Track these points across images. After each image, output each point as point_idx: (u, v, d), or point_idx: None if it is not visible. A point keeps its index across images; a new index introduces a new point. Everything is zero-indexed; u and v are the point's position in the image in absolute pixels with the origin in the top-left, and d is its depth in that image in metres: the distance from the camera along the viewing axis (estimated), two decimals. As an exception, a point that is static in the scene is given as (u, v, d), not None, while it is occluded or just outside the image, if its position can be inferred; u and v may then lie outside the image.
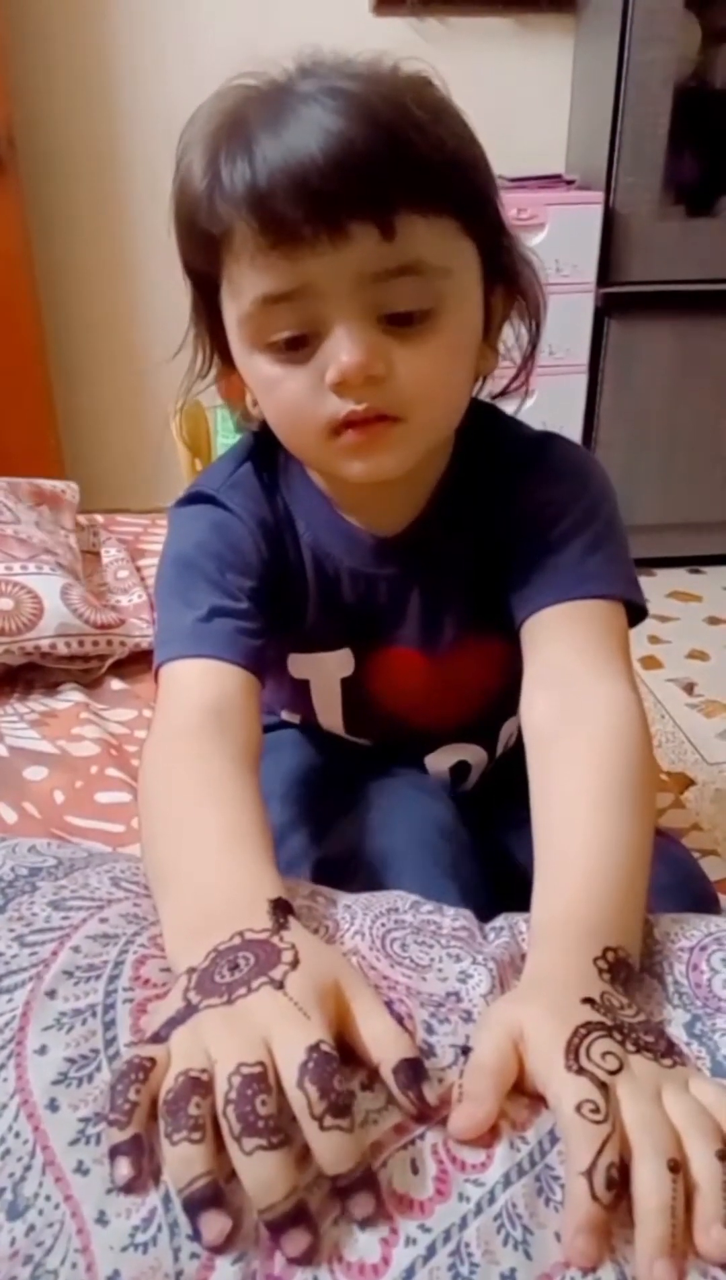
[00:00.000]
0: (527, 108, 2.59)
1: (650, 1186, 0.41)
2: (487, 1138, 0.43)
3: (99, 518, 1.75)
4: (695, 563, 2.83)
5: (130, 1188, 0.40)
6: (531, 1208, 0.41)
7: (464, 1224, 0.40)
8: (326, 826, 0.86)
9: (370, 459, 0.68)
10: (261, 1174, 0.39)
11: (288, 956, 0.47)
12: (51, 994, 0.48)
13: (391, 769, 0.91)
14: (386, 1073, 0.43)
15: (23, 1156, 0.41)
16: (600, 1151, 0.41)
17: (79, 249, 2.72)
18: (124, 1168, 0.40)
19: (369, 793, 0.87)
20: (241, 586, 0.75)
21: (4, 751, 1.16)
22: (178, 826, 0.60)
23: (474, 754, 0.94)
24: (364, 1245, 0.39)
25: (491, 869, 0.89)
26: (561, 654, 0.72)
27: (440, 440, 0.75)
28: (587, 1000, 0.48)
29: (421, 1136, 0.43)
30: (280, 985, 0.45)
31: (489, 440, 0.80)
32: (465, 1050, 0.47)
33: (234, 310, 0.67)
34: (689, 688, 2.27)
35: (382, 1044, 0.44)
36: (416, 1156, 0.42)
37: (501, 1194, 0.41)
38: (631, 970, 0.53)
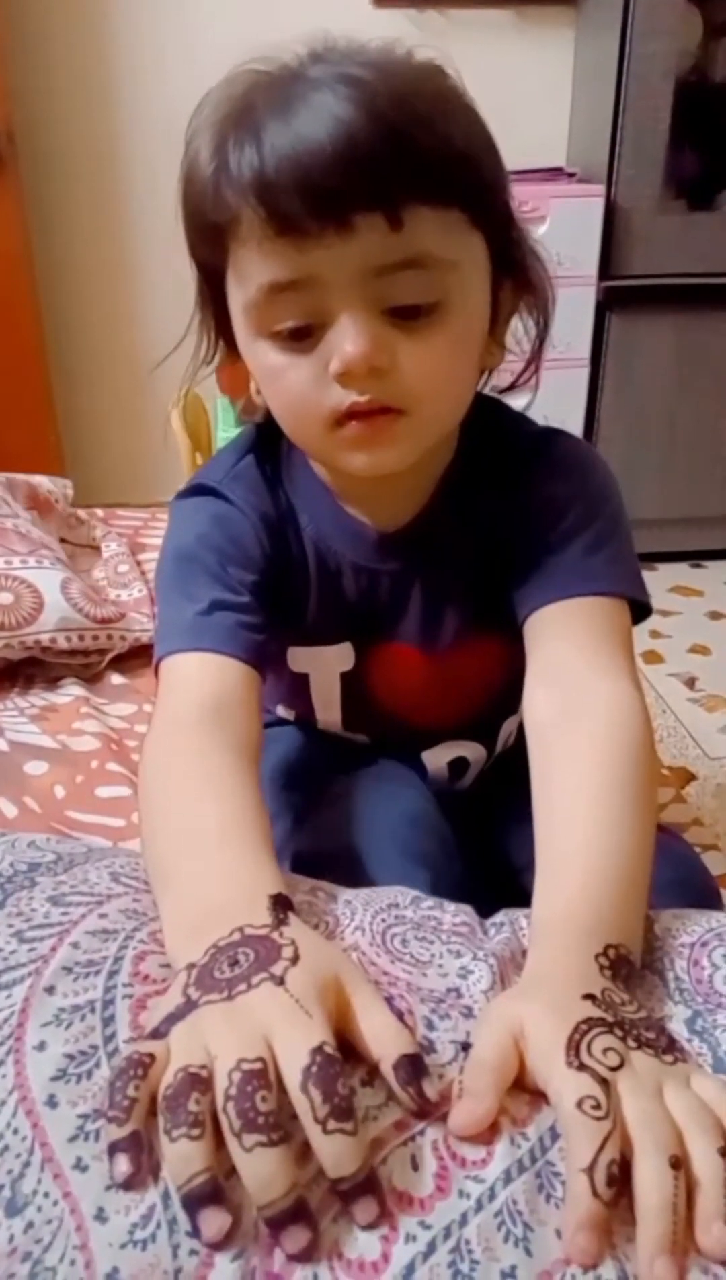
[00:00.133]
0: (528, 101, 2.58)
1: (651, 1183, 0.41)
2: (488, 1134, 0.43)
3: (99, 512, 1.74)
4: (696, 557, 2.83)
5: (129, 1184, 0.40)
6: (532, 1204, 0.41)
7: (464, 1221, 0.40)
8: (302, 820, 0.86)
9: (373, 452, 0.68)
10: (261, 1171, 0.38)
11: (288, 952, 0.47)
12: (50, 990, 0.47)
13: (368, 758, 0.91)
14: (387, 1069, 0.43)
15: (21, 1153, 0.41)
16: (601, 1148, 0.41)
17: (79, 246, 2.71)
18: (123, 1164, 0.40)
19: (341, 786, 0.87)
20: (242, 580, 0.75)
21: (4, 746, 1.16)
22: (178, 822, 0.60)
23: (473, 751, 0.93)
24: (364, 1242, 0.39)
25: (488, 868, 0.89)
26: (564, 651, 0.72)
27: (444, 434, 0.75)
28: (588, 996, 0.48)
29: (421, 1133, 0.43)
30: (281, 981, 0.45)
31: (494, 435, 0.80)
32: (465, 1046, 0.47)
33: (239, 297, 0.67)
34: (690, 682, 2.26)
35: (383, 1040, 0.44)
36: (416, 1153, 0.42)
37: (502, 1190, 0.41)
38: (632, 967, 0.53)
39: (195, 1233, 0.38)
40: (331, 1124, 0.40)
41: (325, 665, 0.86)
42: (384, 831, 0.81)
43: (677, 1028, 0.51)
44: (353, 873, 0.76)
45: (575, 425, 2.58)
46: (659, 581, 2.69)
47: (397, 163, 0.59)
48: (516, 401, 0.83)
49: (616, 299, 2.50)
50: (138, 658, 1.36)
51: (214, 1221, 0.38)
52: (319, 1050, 0.41)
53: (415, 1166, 0.42)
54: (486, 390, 0.80)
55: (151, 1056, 0.43)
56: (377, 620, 0.83)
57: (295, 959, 0.46)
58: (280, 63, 0.63)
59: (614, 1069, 0.44)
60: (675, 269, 2.49)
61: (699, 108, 2.47)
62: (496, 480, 0.78)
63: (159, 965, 0.51)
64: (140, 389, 2.80)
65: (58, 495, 1.65)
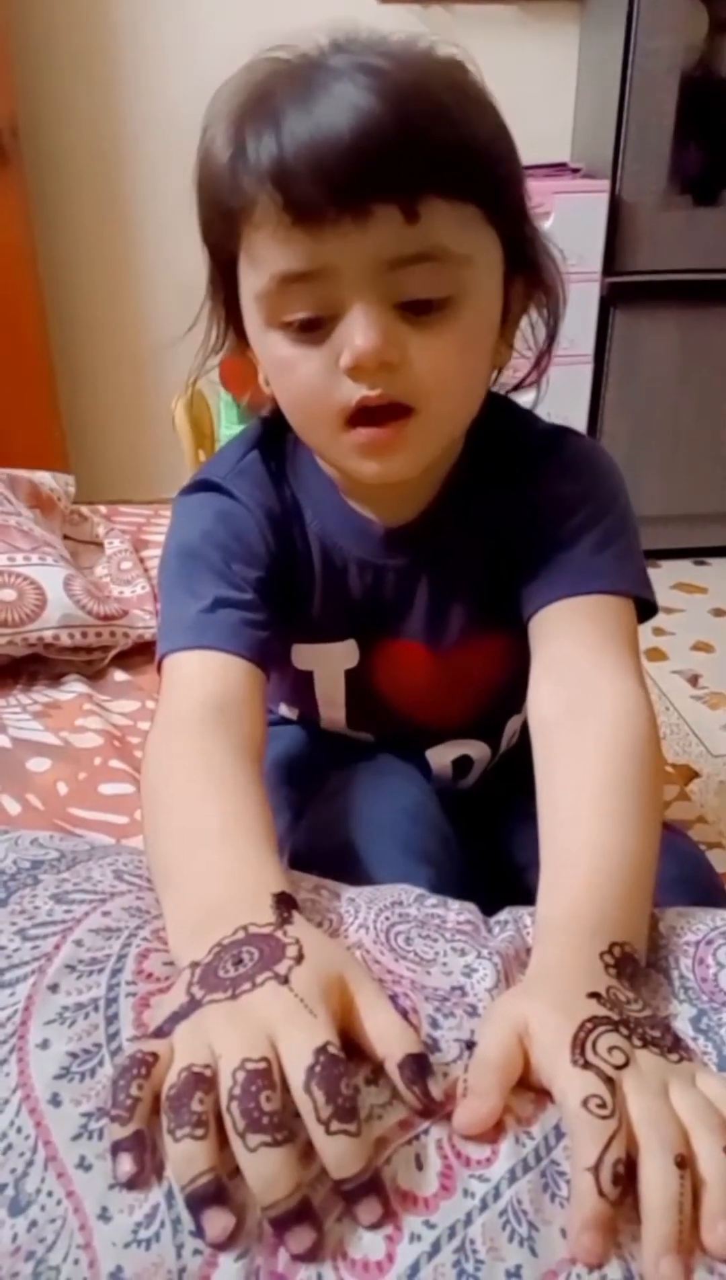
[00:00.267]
0: (533, 96, 2.58)
1: (657, 1182, 0.40)
2: (493, 1133, 0.43)
3: (102, 508, 1.74)
4: (700, 554, 2.83)
5: (133, 1184, 0.40)
6: (537, 1204, 0.41)
7: (469, 1220, 0.40)
8: (301, 816, 0.86)
9: (383, 459, 0.68)
10: (265, 1170, 0.38)
11: (292, 951, 0.46)
12: (54, 988, 0.47)
13: (369, 754, 0.91)
14: (391, 1068, 0.43)
15: (25, 1152, 0.41)
16: (606, 1147, 0.41)
17: (82, 242, 2.71)
18: (126, 1164, 0.40)
19: (340, 781, 0.87)
20: (246, 577, 0.74)
21: (7, 743, 1.16)
22: (180, 819, 0.60)
23: (477, 749, 0.93)
24: (368, 1242, 0.39)
25: (491, 867, 0.89)
26: (569, 649, 0.72)
27: (454, 437, 0.75)
28: (593, 995, 0.47)
29: (426, 1132, 0.43)
30: (285, 980, 0.45)
31: (501, 432, 0.79)
32: (470, 1045, 0.47)
33: (251, 285, 0.66)
34: (694, 680, 2.26)
35: (387, 1039, 0.44)
36: (421, 1152, 0.42)
37: (506, 1190, 0.41)
38: (637, 965, 0.52)
39: (199, 1232, 0.38)
40: (335, 1125, 0.39)
41: (330, 662, 0.86)
42: (385, 828, 0.81)
43: (682, 1026, 0.51)
44: (353, 870, 0.76)
45: (578, 421, 2.58)
46: (662, 578, 2.68)
47: (416, 154, 0.59)
48: (522, 399, 0.83)
49: (620, 295, 2.49)
50: (140, 654, 1.36)
51: (218, 1221, 0.38)
52: (323, 1050, 0.41)
53: (420, 1166, 0.41)
54: (493, 388, 0.80)
55: (155, 1055, 0.43)
56: (383, 617, 0.83)
57: (299, 958, 0.46)
58: (300, 52, 0.63)
59: (619, 1067, 0.44)
60: (679, 265, 2.49)
61: (704, 103, 2.47)
62: (504, 477, 0.78)
63: (162, 963, 0.50)
64: (143, 385, 2.81)
65: (59, 493, 1.65)
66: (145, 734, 1.17)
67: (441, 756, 0.93)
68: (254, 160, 0.61)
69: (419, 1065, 0.43)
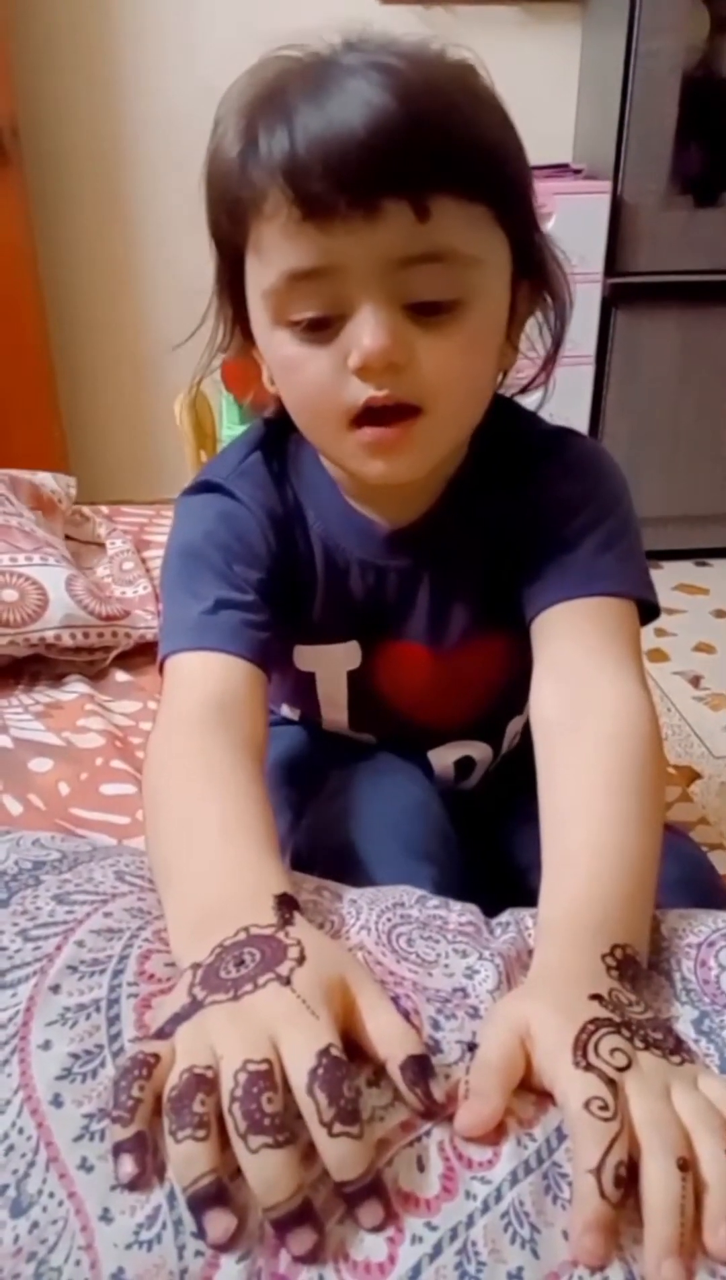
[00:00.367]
0: (535, 97, 2.57)
1: (659, 1184, 0.40)
2: (494, 1135, 0.43)
3: (104, 509, 1.74)
4: (701, 555, 2.83)
5: (134, 1185, 0.40)
6: (538, 1206, 0.41)
7: (470, 1222, 0.40)
8: (302, 815, 0.86)
9: (390, 460, 0.68)
10: (267, 1172, 0.38)
11: (294, 952, 0.46)
12: (55, 989, 0.47)
13: (370, 754, 0.91)
14: (393, 1069, 0.43)
15: (26, 1153, 0.41)
16: (608, 1149, 0.41)
17: (83, 243, 2.71)
18: (128, 1165, 0.40)
19: (341, 780, 0.87)
20: (248, 578, 0.74)
21: (9, 743, 1.16)
22: (182, 820, 0.60)
23: (479, 751, 0.93)
24: (370, 1244, 0.39)
25: (492, 868, 0.89)
26: (571, 650, 0.72)
27: (461, 437, 0.75)
28: (595, 997, 0.47)
29: (428, 1133, 0.43)
30: (287, 981, 0.45)
31: (504, 434, 0.79)
32: (472, 1046, 0.47)
33: (259, 282, 0.66)
34: (695, 680, 2.26)
35: (389, 1040, 0.44)
36: (423, 1154, 0.42)
37: (508, 1192, 0.41)
38: (639, 967, 0.52)
39: (201, 1234, 0.38)
40: (337, 1127, 0.39)
41: (332, 664, 0.86)
42: (387, 827, 0.81)
43: (684, 1028, 0.51)
44: (355, 869, 0.76)
45: (580, 422, 2.58)
46: (663, 579, 2.68)
47: (428, 152, 0.59)
48: (526, 400, 0.83)
49: (622, 296, 2.49)
50: (142, 655, 1.36)
51: (219, 1223, 0.38)
52: (325, 1052, 0.41)
53: (421, 1167, 0.41)
54: (499, 390, 0.79)
55: (156, 1056, 0.43)
56: (385, 618, 0.83)
57: (301, 959, 0.46)
58: (311, 50, 0.63)
59: (621, 1070, 0.44)
60: (680, 266, 2.49)
61: (705, 104, 2.47)
62: (507, 478, 0.78)
63: (164, 964, 0.50)
64: (144, 386, 2.81)
65: (60, 495, 1.65)
66: (147, 734, 1.17)
67: (443, 758, 0.93)
68: (266, 154, 0.61)
69: (421, 1067, 0.43)
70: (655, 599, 0.76)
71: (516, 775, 0.85)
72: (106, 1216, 0.39)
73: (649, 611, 0.76)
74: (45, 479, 1.65)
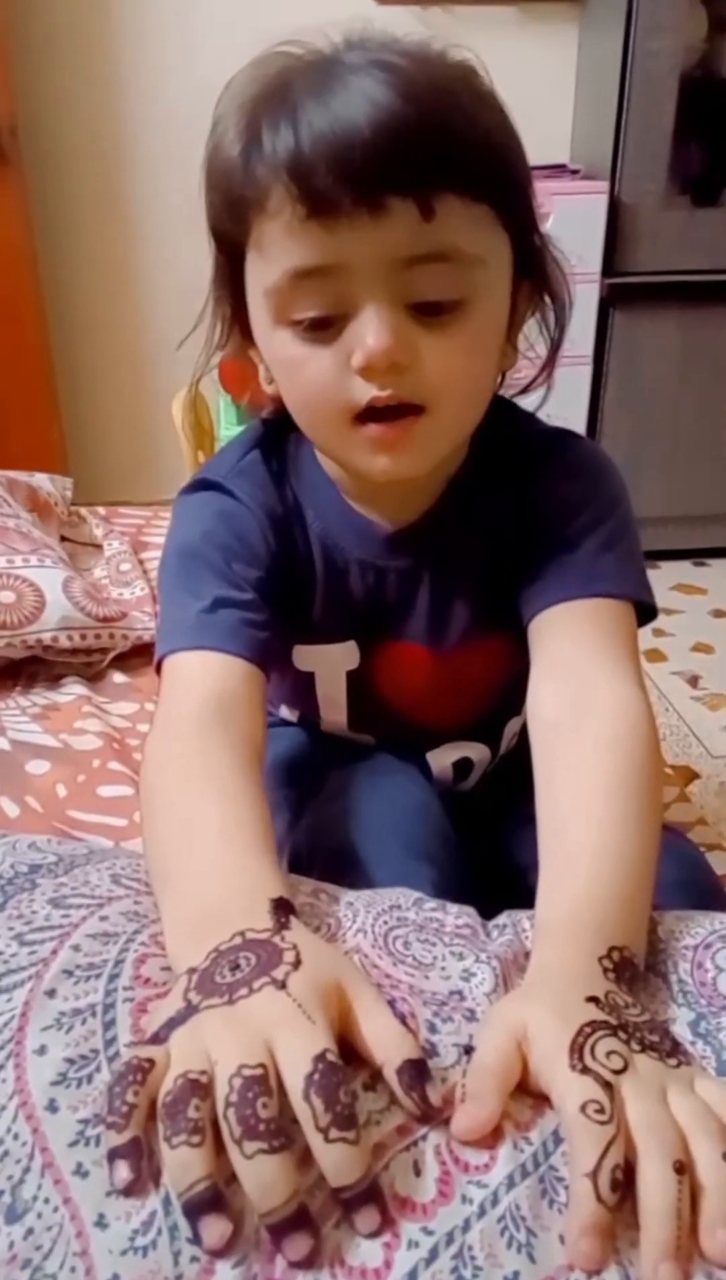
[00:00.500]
0: (532, 97, 2.56)
1: (655, 1188, 0.40)
2: (491, 1139, 0.43)
3: (101, 510, 1.74)
4: (699, 555, 2.83)
5: (130, 1190, 0.39)
6: (535, 1209, 0.41)
7: (467, 1226, 0.40)
8: (300, 815, 0.86)
9: (394, 456, 0.68)
10: (262, 1177, 0.38)
11: (289, 957, 0.46)
12: (51, 993, 0.47)
13: (369, 755, 0.91)
14: (389, 1073, 0.43)
15: (21, 1158, 0.41)
16: (605, 1152, 0.40)
17: (82, 243, 2.71)
18: (123, 1170, 0.40)
19: (340, 780, 0.87)
20: (247, 577, 0.74)
21: (6, 745, 1.16)
22: (179, 822, 0.60)
23: (477, 752, 0.93)
24: (366, 1249, 0.39)
25: (490, 869, 0.89)
26: (570, 651, 0.72)
27: (463, 436, 0.75)
28: (592, 999, 0.47)
29: (424, 1137, 0.43)
30: (282, 985, 0.45)
31: (503, 434, 0.79)
32: (468, 1049, 0.46)
33: (261, 281, 0.66)
34: (693, 681, 2.26)
35: (385, 1044, 0.44)
36: (419, 1158, 0.42)
37: (505, 1196, 0.41)
38: (636, 969, 0.52)
39: (196, 1240, 0.38)
40: (333, 1133, 0.39)
41: (331, 664, 0.86)
42: (387, 826, 0.81)
43: (681, 1031, 0.51)
44: (354, 868, 0.76)
45: (578, 423, 2.58)
46: (661, 579, 2.68)
47: (434, 151, 0.59)
48: (525, 400, 0.83)
49: (620, 296, 2.49)
50: (139, 656, 1.36)
51: (215, 1229, 0.38)
52: (321, 1058, 0.41)
53: (417, 1172, 0.41)
54: (500, 391, 0.79)
55: (151, 1062, 0.42)
56: (384, 619, 0.83)
57: (297, 963, 0.46)
58: (313, 48, 0.63)
59: (617, 1072, 0.44)
60: (679, 266, 2.48)
61: (703, 104, 2.47)
62: (506, 479, 0.78)
63: (160, 968, 0.50)
64: (143, 386, 2.81)
65: (57, 497, 1.65)
66: (144, 736, 1.16)
67: (442, 759, 0.93)
68: (270, 151, 0.61)
69: (417, 1071, 0.43)
70: (653, 601, 0.76)
71: (514, 776, 0.85)
72: (102, 1222, 0.39)
73: (646, 613, 0.76)
74: (42, 480, 1.65)
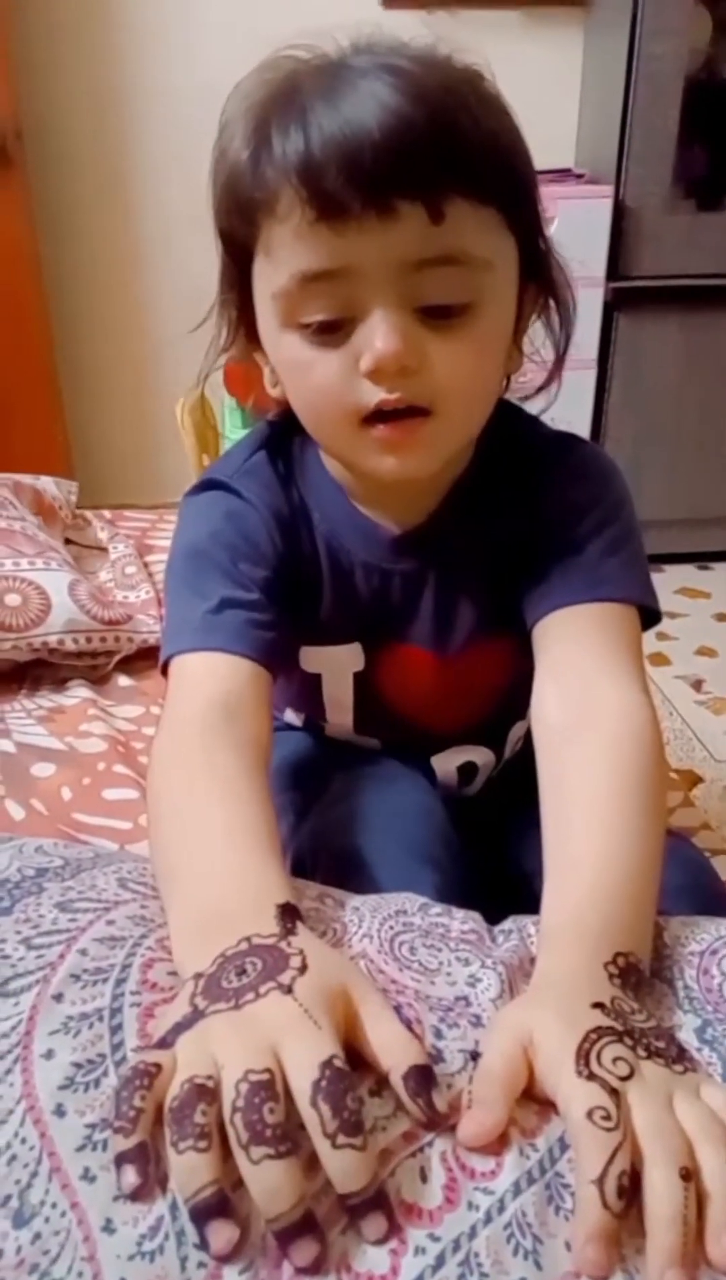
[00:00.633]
0: (537, 101, 2.55)
1: (662, 1195, 0.40)
2: (497, 1145, 0.43)
3: (106, 513, 1.74)
4: (704, 559, 2.82)
5: (137, 1195, 0.40)
6: (541, 1216, 0.41)
7: (473, 1233, 0.40)
8: (305, 818, 0.86)
9: (401, 456, 0.68)
10: (269, 1183, 0.38)
11: (296, 962, 0.46)
12: (58, 998, 0.47)
13: (374, 759, 0.91)
14: (396, 1080, 0.43)
15: (29, 1163, 0.41)
16: (611, 1159, 0.41)
17: (86, 243, 2.71)
18: (130, 1175, 0.40)
19: (345, 784, 0.87)
20: (254, 577, 0.74)
21: (11, 748, 1.16)
22: (185, 825, 0.60)
23: (482, 756, 0.93)
24: (372, 1255, 0.39)
25: (495, 874, 0.89)
26: (574, 655, 0.72)
27: (469, 438, 0.75)
28: (598, 1005, 0.47)
29: (430, 1144, 0.43)
30: (289, 990, 0.45)
31: (508, 438, 0.79)
32: (474, 1055, 0.46)
33: (269, 284, 0.66)
34: (697, 684, 2.26)
35: (392, 1050, 0.44)
36: (425, 1164, 0.42)
37: (511, 1202, 0.41)
38: (642, 975, 0.52)
39: (203, 1245, 0.38)
40: (341, 1139, 0.39)
41: (337, 665, 0.86)
42: (391, 830, 0.81)
43: (687, 1037, 0.51)
44: (357, 872, 0.76)
45: (582, 426, 2.58)
46: (666, 583, 2.68)
47: (443, 154, 0.59)
48: (529, 404, 0.83)
49: (624, 300, 2.49)
50: (145, 659, 1.36)
51: (222, 1234, 0.38)
52: (328, 1063, 0.41)
53: (424, 1178, 0.41)
54: (506, 396, 0.80)
55: (158, 1066, 0.42)
56: (389, 621, 0.83)
57: (303, 968, 0.46)
58: (320, 51, 0.63)
59: (624, 1079, 0.44)
60: (683, 270, 2.48)
61: (708, 107, 2.46)
62: (512, 483, 0.78)
63: (167, 973, 0.50)
64: (147, 388, 2.81)
65: (61, 501, 1.65)
66: (149, 739, 1.17)
67: (446, 763, 0.93)
68: (279, 154, 0.61)
69: (423, 1077, 0.43)
70: (657, 605, 0.76)
71: (518, 781, 0.85)
72: (109, 1227, 0.39)
73: (650, 617, 0.76)
74: (47, 484, 1.65)
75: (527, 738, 0.81)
